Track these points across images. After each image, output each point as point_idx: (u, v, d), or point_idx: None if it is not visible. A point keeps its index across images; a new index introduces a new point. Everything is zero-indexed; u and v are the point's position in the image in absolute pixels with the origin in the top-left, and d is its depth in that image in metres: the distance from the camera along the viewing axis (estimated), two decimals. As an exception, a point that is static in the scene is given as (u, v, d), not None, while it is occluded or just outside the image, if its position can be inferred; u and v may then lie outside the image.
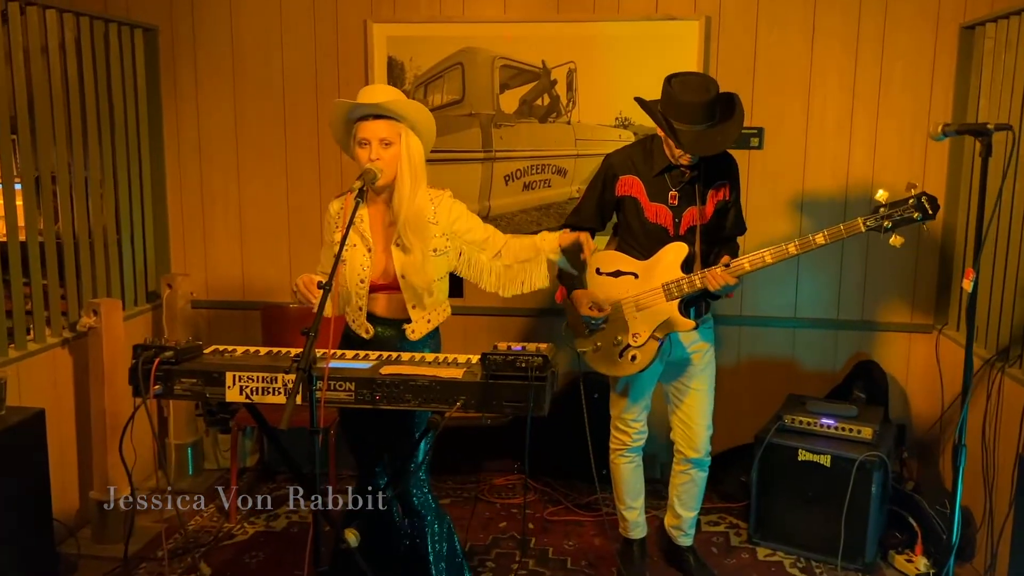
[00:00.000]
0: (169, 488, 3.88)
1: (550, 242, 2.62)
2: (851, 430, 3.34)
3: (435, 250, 2.60)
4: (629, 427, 3.14)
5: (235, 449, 3.74)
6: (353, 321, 2.67)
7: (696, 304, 2.97)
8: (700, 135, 2.73)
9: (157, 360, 2.35)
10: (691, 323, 2.89)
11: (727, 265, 2.78)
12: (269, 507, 3.82)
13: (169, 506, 3.75)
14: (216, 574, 3.22)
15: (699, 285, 2.84)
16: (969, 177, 3.56)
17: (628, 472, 3.21)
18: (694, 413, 3.09)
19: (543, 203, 4.00)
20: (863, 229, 2.69)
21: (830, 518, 3.25)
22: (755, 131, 3.84)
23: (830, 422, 3.38)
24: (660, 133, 2.85)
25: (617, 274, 2.98)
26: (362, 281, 2.60)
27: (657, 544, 3.42)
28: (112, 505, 3.38)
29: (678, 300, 2.87)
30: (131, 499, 3.09)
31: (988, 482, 3.12)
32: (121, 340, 3.49)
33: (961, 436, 2.33)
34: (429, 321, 2.66)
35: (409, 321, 2.64)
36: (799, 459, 3.34)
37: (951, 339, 3.63)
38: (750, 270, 2.78)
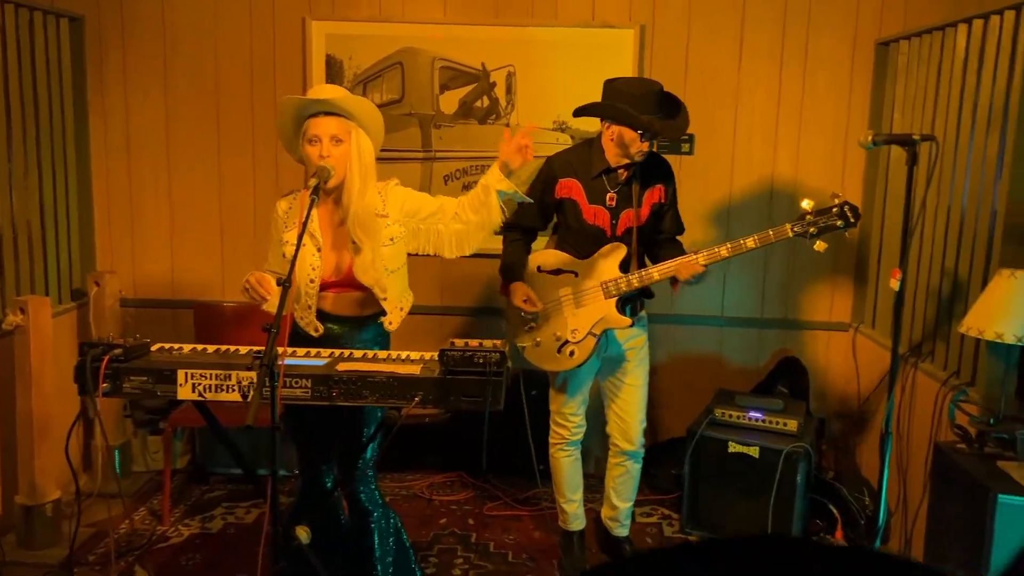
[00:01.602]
0: (117, 491, 3.76)
1: (493, 172, 2.62)
2: (777, 423, 3.51)
3: (391, 239, 2.62)
4: (568, 421, 3.23)
5: (169, 450, 3.66)
6: (302, 319, 2.67)
7: (632, 302, 3.08)
8: (663, 122, 2.86)
9: (107, 357, 2.31)
10: (627, 320, 3.00)
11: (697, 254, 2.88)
12: (205, 510, 3.76)
13: (113, 507, 3.63)
14: (153, 577, 3.16)
15: (636, 284, 2.96)
16: (884, 184, 3.79)
17: (567, 465, 3.29)
18: (629, 407, 3.20)
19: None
20: (791, 235, 2.84)
21: (758, 506, 3.41)
22: (686, 137, 3.98)
23: (758, 415, 3.55)
24: (611, 133, 2.93)
25: (557, 272, 3.08)
26: (312, 280, 2.61)
27: (595, 536, 3.51)
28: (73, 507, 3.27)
29: (615, 298, 2.98)
30: (77, 502, 2.99)
31: (903, 469, 3.34)
32: (49, 339, 3.37)
33: (888, 425, 2.50)
34: (402, 309, 2.70)
35: (374, 316, 2.66)
36: (729, 451, 3.49)
37: (867, 336, 3.86)
38: (719, 258, 2.87)
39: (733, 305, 4.12)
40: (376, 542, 2.73)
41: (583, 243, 3.04)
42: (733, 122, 3.97)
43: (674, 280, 2.96)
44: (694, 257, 2.88)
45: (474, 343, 2.36)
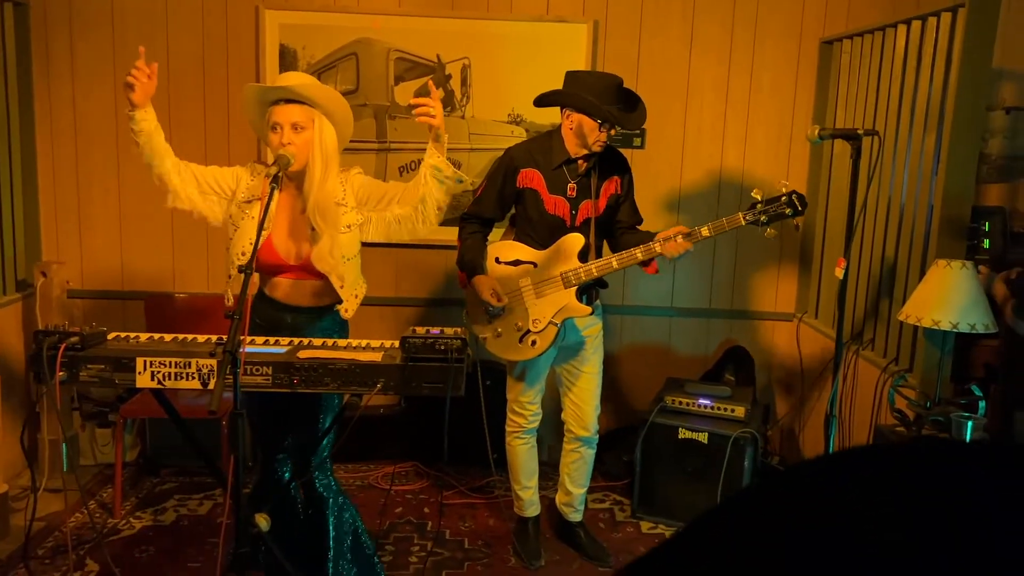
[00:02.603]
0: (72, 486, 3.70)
1: (428, 152, 2.58)
2: (726, 409, 3.62)
3: (348, 226, 2.62)
4: (525, 409, 3.29)
5: (120, 442, 3.62)
6: (226, 292, 2.63)
7: (588, 292, 3.15)
8: (623, 114, 2.94)
9: (63, 346, 2.29)
10: (587, 308, 3.06)
11: (688, 234, 2.92)
12: (156, 501, 3.72)
13: (52, 504, 3.57)
14: (105, 570, 3.12)
15: (595, 273, 3.02)
16: (828, 178, 3.93)
17: (524, 453, 3.35)
18: (585, 394, 3.27)
19: (436, 195, 4.08)
20: (743, 223, 2.93)
21: (707, 491, 3.52)
22: (638, 132, 4.07)
23: (707, 402, 3.66)
24: (571, 122, 2.98)
25: (516, 263, 3.12)
26: (243, 254, 2.58)
27: (548, 522, 3.58)
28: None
29: (575, 288, 3.04)
30: (33, 492, 2.93)
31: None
32: (-4, 330, 3.30)
33: (832, 407, 2.61)
34: (356, 296, 2.70)
35: (330, 305, 2.66)
36: (679, 437, 3.59)
37: (810, 326, 4.00)
38: (707, 236, 2.93)
39: (682, 296, 4.22)
40: (331, 532, 2.74)
41: (542, 233, 3.09)
42: (683, 117, 4.07)
43: (647, 262, 3.01)
44: (674, 231, 2.92)
45: (435, 330, 2.40)
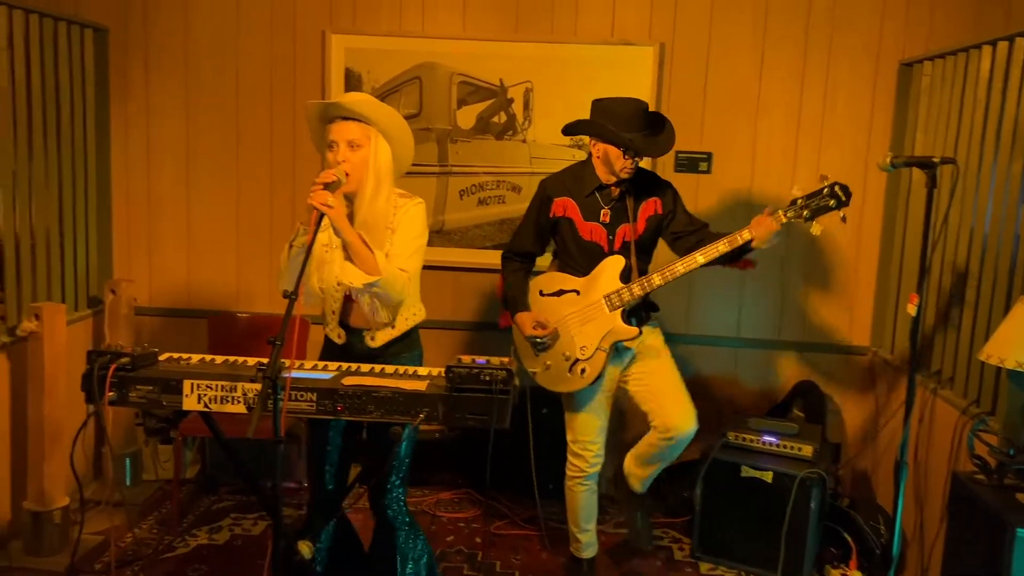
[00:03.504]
0: (120, 498, 3.77)
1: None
2: (792, 448, 3.45)
3: (386, 255, 2.58)
4: (586, 450, 3.14)
5: (179, 460, 3.66)
6: (327, 325, 2.66)
7: (636, 313, 3.05)
8: (646, 140, 2.90)
9: (113, 366, 2.31)
10: (634, 330, 2.97)
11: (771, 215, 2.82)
12: (212, 520, 3.75)
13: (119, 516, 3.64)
14: (157, 588, 3.15)
15: (638, 292, 2.94)
16: (905, 207, 3.73)
17: (585, 499, 3.22)
18: (664, 387, 3.04)
19: (497, 219, 4.04)
20: (784, 220, 2.80)
21: (770, 533, 3.34)
22: (704, 155, 3.95)
23: (772, 439, 3.49)
24: (597, 151, 2.97)
25: (559, 293, 3.08)
26: (339, 284, 2.57)
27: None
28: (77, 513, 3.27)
29: (620, 310, 2.96)
30: (81, 509, 2.99)
31: (920, 498, 3.26)
32: (63, 346, 3.39)
33: (903, 454, 2.44)
34: (392, 327, 2.65)
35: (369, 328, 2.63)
36: (742, 475, 3.43)
37: (886, 361, 3.79)
38: (748, 238, 2.83)
39: (749, 326, 4.07)
40: (398, 561, 2.70)
41: (581, 261, 3.05)
42: (752, 141, 3.94)
43: (730, 260, 2.92)
44: (764, 219, 2.80)
45: (481, 360, 2.33)
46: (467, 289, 4.13)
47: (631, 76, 3.87)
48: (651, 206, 3.06)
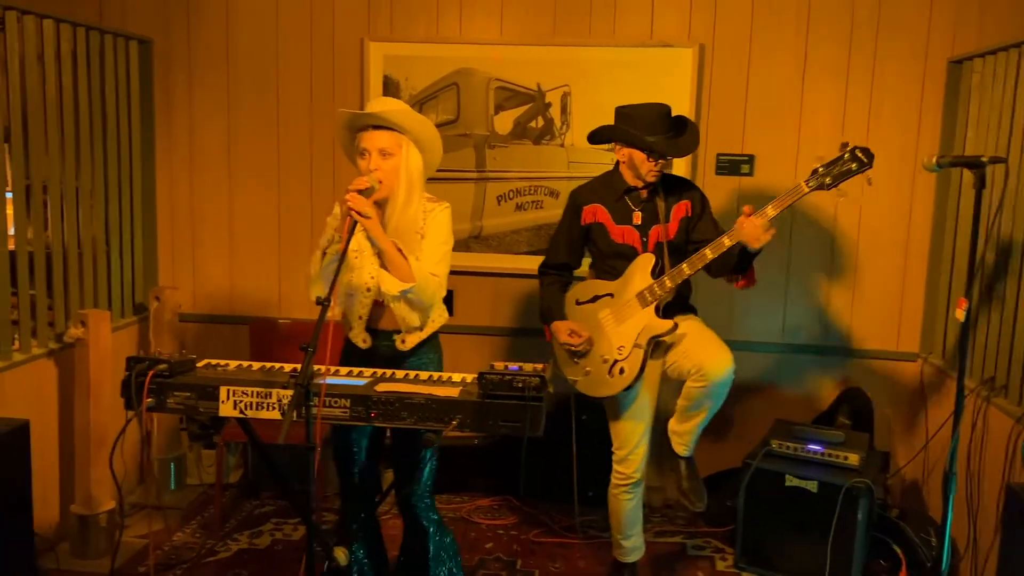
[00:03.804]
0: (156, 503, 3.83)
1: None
2: (838, 456, 3.36)
3: (417, 259, 2.58)
4: (633, 455, 3.09)
5: (220, 464, 3.71)
6: (351, 330, 2.67)
7: (672, 312, 3.00)
8: (669, 142, 2.91)
9: (151, 373, 2.34)
10: (668, 323, 2.93)
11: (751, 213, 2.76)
12: (253, 524, 3.78)
13: (158, 520, 3.70)
14: (199, 591, 3.18)
15: (669, 284, 2.90)
16: (956, 208, 3.62)
17: (629, 507, 3.16)
18: (695, 339, 2.94)
19: (535, 224, 4.02)
20: (806, 190, 2.73)
21: (816, 544, 3.26)
22: (746, 158, 3.88)
23: (817, 448, 3.40)
24: (622, 156, 2.98)
25: (594, 299, 3.07)
26: (368, 290, 2.58)
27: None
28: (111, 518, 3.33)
29: (653, 305, 2.93)
30: (120, 513, 3.04)
31: (972, 511, 3.15)
32: (108, 352, 3.45)
33: (952, 464, 2.35)
34: (422, 329, 2.65)
35: (399, 331, 2.63)
36: (786, 484, 3.35)
37: (936, 367, 3.68)
38: (772, 215, 2.75)
39: (794, 332, 3.98)
40: (430, 561, 2.71)
41: (616, 264, 3.04)
42: (796, 143, 3.86)
43: (738, 269, 2.86)
44: (744, 220, 2.73)
45: (513, 366, 2.32)
46: (505, 295, 4.12)
47: (670, 78, 3.82)
48: (683, 208, 3.04)
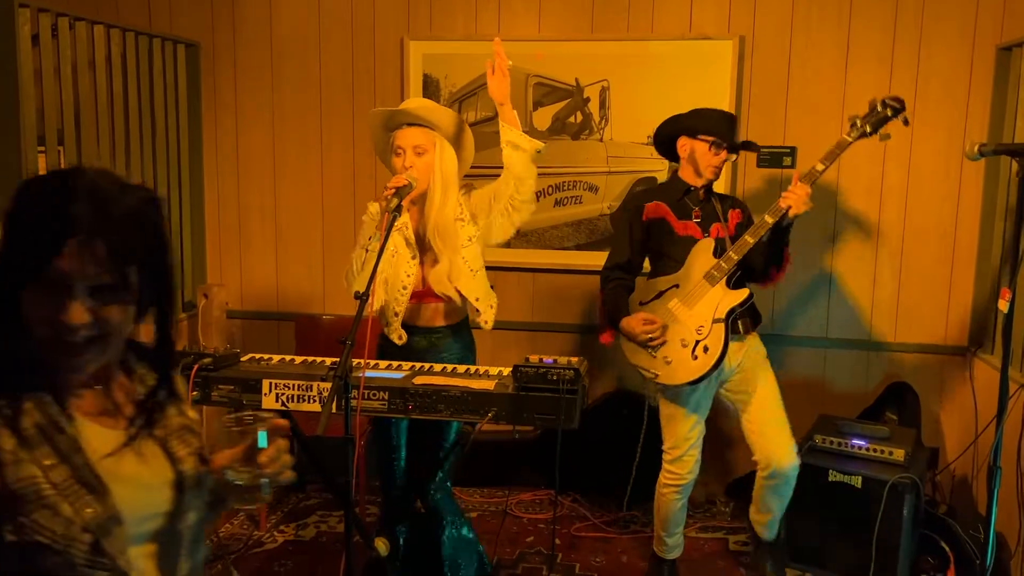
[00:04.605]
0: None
1: (501, 129, 2.69)
2: (883, 452, 3.30)
3: (470, 238, 2.64)
4: (687, 456, 3.08)
5: (266, 458, 3.78)
6: (387, 326, 2.71)
7: (734, 323, 3.00)
8: (728, 134, 3.01)
9: (196, 367, 2.41)
10: (744, 292, 2.97)
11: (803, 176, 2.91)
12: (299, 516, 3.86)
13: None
14: (246, 581, 3.26)
15: (735, 257, 2.92)
16: (1005, 197, 3.53)
17: (676, 508, 3.17)
18: (764, 417, 3.08)
19: (574, 219, 4.03)
20: (850, 140, 2.89)
21: (861, 540, 3.21)
22: (788, 150, 3.84)
23: (862, 443, 3.35)
24: (684, 151, 3.04)
25: (659, 295, 3.06)
26: (404, 288, 2.63)
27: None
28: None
29: (723, 280, 2.95)
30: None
31: (1022, 507, 3.07)
32: (158, 348, 3.55)
33: (996, 458, 2.31)
34: (492, 307, 2.73)
35: (454, 327, 2.69)
36: (830, 480, 3.31)
37: (986, 362, 3.59)
38: (822, 169, 2.92)
39: (839, 326, 3.92)
40: (445, 548, 2.75)
41: (679, 255, 3.04)
42: (838, 134, 3.75)
43: (769, 274, 2.99)
44: (791, 190, 2.87)
45: (548, 359, 2.33)
46: (544, 290, 4.13)
47: (710, 71, 3.79)
48: (738, 214, 3.13)
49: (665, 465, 3.14)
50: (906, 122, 2.84)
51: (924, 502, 3.37)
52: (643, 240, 3.10)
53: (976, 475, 3.61)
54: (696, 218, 3.04)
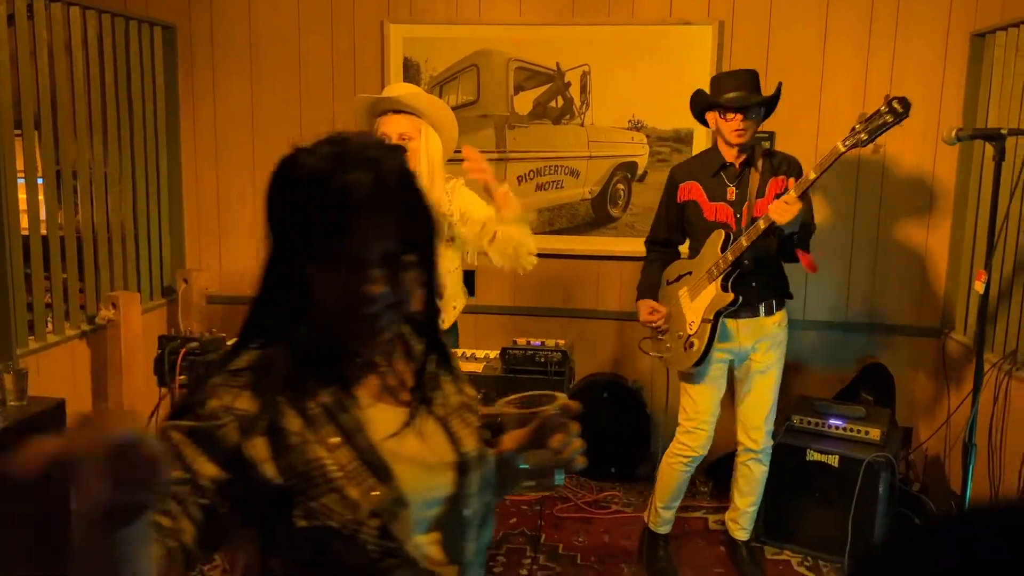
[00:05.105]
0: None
1: (496, 217, 2.64)
2: (859, 431, 3.38)
3: (451, 238, 2.64)
4: (699, 429, 3.14)
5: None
6: None
7: (764, 296, 3.04)
8: (739, 96, 2.89)
9: (183, 351, 2.41)
10: (728, 296, 2.96)
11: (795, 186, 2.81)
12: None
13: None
14: (230, 563, 3.26)
15: (731, 257, 2.92)
16: (978, 182, 3.60)
17: (681, 480, 3.22)
18: (752, 400, 3.17)
19: (555, 203, 4.05)
20: (843, 149, 2.70)
21: (837, 518, 3.28)
22: (766, 135, 3.88)
23: (838, 423, 3.42)
24: (712, 124, 2.99)
25: (679, 278, 3.12)
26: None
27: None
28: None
29: (719, 279, 2.96)
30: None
31: (994, 483, 3.16)
32: (139, 333, 3.53)
33: (971, 436, 2.37)
34: (455, 307, 2.72)
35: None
36: (807, 459, 3.38)
37: (958, 343, 3.68)
38: (814, 178, 2.76)
39: (815, 308, 3.98)
40: None
41: (703, 241, 3.07)
42: (816, 118, 3.85)
43: (783, 251, 2.92)
44: (780, 201, 2.76)
45: (536, 342, 2.36)
46: (526, 275, 4.14)
47: (690, 56, 3.82)
48: (779, 183, 2.98)
49: (677, 435, 3.21)
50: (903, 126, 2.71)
51: (898, 480, 3.45)
52: (678, 219, 3.14)
53: (948, 454, 3.70)
54: (730, 198, 2.97)
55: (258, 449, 1.04)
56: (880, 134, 2.68)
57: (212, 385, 1.08)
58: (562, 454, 1.20)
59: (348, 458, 1.07)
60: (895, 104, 2.63)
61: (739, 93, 2.88)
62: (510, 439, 1.24)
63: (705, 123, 3.06)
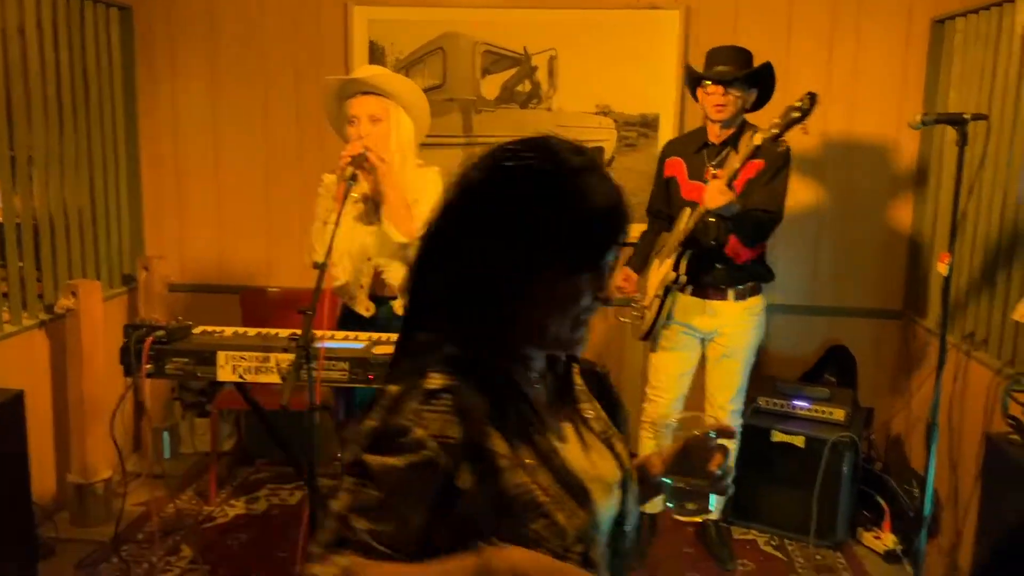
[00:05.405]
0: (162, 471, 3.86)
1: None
2: (823, 412, 3.44)
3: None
4: (659, 397, 3.27)
5: (216, 431, 3.73)
6: (352, 299, 2.68)
7: (732, 277, 3.09)
8: (716, 71, 2.96)
9: (149, 339, 2.36)
10: (671, 274, 3.06)
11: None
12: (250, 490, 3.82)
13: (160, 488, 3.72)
14: (199, 556, 3.22)
15: (680, 236, 3.01)
16: (939, 166, 3.67)
17: (646, 449, 3.28)
18: (717, 379, 3.26)
19: (523, 189, 4.03)
20: (758, 143, 2.79)
21: (803, 497, 3.34)
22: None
23: (803, 404, 3.48)
24: (699, 100, 3.07)
25: (660, 250, 3.24)
26: (369, 259, 2.61)
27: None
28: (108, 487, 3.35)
29: (672, 257, 3.06)
30: (123, 481, 3.07)
31: (954, 461, 3.24)
32: (100, 322, 3.46)
33: (934, 416, 2.42)
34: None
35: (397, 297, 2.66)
36: (773, 440, 3.43)
37: (920, 325, 3.75)
38: (738, 167, 2.83)
39: (780, 291, 4.00)
40: None
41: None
42: (781, 105, 3.86)
43: (717, 239, 3.02)
44: (710, 183, 2.83)
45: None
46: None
47: (657, 41, 3.82)
48: (753, 168, 2.97)
49: (643, 403, 3.35)
50: (805, 131, 2.78)
51: (862, 459, 3.52)
52: (665, 193, 3.23)
53: (909, 434, 3.78)
54: (707, 177, 2.94)
55: (465, 478, 0.99)
56: (791, 127, 2.73)
57: (412, 411, 0.99)
58: (722, 480, 1.15)
59: (548, 481, 1.01)
60: (805, 98, 2.73)
61: (725, 68, 2.93)
62: (662, 459, 1.21)
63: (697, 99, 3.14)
